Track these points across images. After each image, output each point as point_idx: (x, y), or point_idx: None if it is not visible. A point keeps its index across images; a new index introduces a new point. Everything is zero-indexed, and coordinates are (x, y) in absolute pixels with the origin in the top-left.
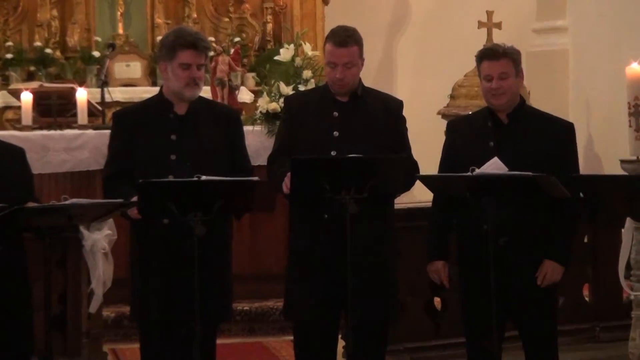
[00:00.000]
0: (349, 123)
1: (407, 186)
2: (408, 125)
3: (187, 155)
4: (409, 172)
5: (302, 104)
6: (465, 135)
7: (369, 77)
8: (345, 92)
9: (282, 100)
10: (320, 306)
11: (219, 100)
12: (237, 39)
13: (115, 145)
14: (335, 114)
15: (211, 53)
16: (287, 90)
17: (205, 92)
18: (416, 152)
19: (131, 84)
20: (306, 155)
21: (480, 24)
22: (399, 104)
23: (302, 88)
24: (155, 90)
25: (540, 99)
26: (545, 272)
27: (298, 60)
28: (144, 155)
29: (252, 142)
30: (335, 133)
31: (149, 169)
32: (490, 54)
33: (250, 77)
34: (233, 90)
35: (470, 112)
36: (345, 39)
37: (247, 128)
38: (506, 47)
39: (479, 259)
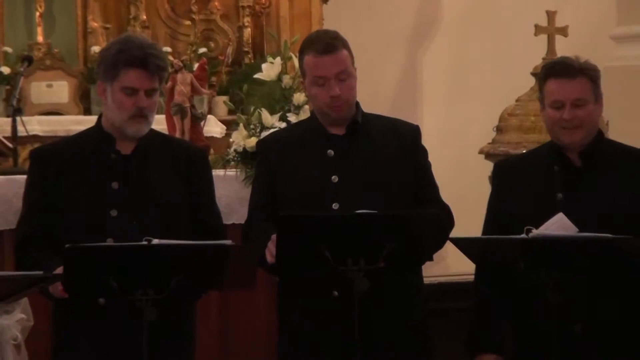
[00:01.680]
0: (351, 163)
1: (439, 243)
2: (438, 168)
3: (133, 210)
4: (440, 226)
5: (282, 146)
6: (521, 183)
7: (385, 103)
8: (344, 116)
9: (264, 134)
10: None
11: (177, 134)
12: (202, 50)
13: (33, 197)
14: (331, 152)
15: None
16: (272, 120)
17: (159, 122)
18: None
19: (55, 111)
20: (297, 211)
21: (539, 29)
22: (414, 130)
23: (292, 118)
24: (88, 121)
25: (623, 131)
26: None
27: (287, 80)
28: (73, 209)
29: (224, 192)
30: (334, 178)
31: (80, 229)
32: (560, 70)
33: (221, 103)
34: (197, 120)
35: (524, 151)
36: (331, 42)
37: (216, 173)
38: (581, 61)
39: (542, 354)
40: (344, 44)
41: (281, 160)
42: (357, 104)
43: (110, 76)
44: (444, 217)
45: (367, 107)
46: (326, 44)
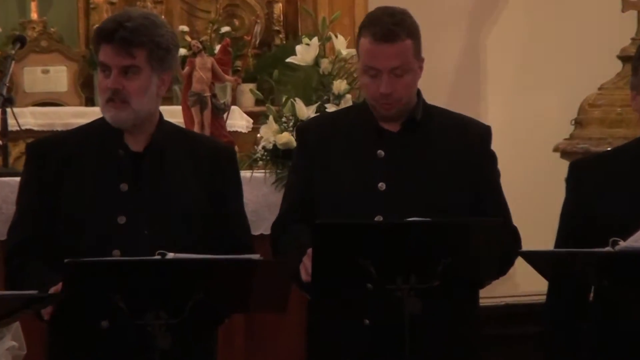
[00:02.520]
0: (404, 167)
1: (503, 269)
2: (504, 168)
3: (144, 217)
4: (506, 246)
5: (326, 134)
6: (605, 186)
7: (443, 92)
8: (395, 114)
9: None
10: None
11: (195, 127)
12: (225, 29)
13: (28, 198)
14: (381, 152)
15: (183, 51)
16: (308, 112)
17: (175, 115)
18: (517, 214)
19: (52, 101)
20: (337, 219)
21: (627, 4)
22: (483, 132)
23: (331, 108)
24: (91, 113)
25: None
26: None
27: (325, 64)
28: (74, 214)
29: (251, 198)
30: (381, 185)
31: (82, 239)
32: None
33: (248, 91)
34: (219, 112)
35: (608, 148)
36: (392, 28)
37: (242, 174)
38: None
39: None
40: (410, 31)
41: (324, 151)
42: (419, 94)
43: (96, 54)
44: (509, 237)
45: (429, 94)
46: (386, 30)
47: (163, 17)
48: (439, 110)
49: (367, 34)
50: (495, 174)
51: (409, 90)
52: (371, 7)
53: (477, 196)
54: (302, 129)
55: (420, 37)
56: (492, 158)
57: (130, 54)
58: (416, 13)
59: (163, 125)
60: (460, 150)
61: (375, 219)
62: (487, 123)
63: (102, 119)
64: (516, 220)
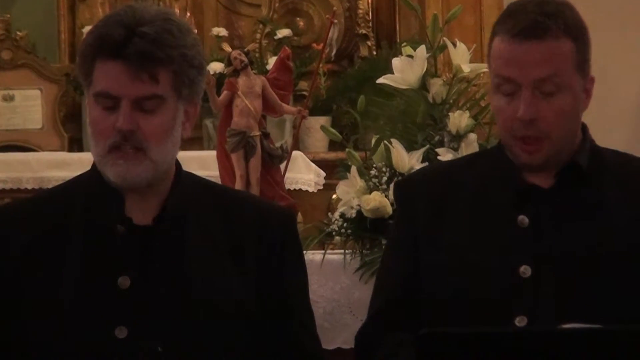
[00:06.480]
0: (560, 244)
1: None
2: None
3: (155, 326)
4: None
5: (438, 198)
6: None
7: (623, 126)
8: (542, 159)
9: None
10: None
11: (237, 184)
12: (283, 33)
13: None
14: (524, 219)
15: (219, 67)
16: (410, 160)
17: (206, 164)
18: None
19: (19, 143)
20: (455, 326)
21: None
22: None
23: (445, 155)
24: (78, 163)
25: None
26: None
27: (437, 87)
28: (47, 326)
29: (323, 293)
30: (524, 270)
31: None
32: None
33: (318, 129)
34: (273, 160)
35: None
36: (539, 19)
37: (308, 257)
38: None
39: None
40: (569, 28)
41: (436, 222)
42: (584, 129)
43: (84, 78)
44: None
45: (599, 133)
46: (529, 22)
47: (189, 14)
48: (617, 155)
49: (501, 30)
50: None
51: (565, 121)
52: None
53: None
54: (403, 187)
55: (588, 41)
56: None
57: (153, 78)
58: (591, 8)
59: (182, 182)
60: None
61: (516, 322)
62: None
63: (88, 177)
64: None
